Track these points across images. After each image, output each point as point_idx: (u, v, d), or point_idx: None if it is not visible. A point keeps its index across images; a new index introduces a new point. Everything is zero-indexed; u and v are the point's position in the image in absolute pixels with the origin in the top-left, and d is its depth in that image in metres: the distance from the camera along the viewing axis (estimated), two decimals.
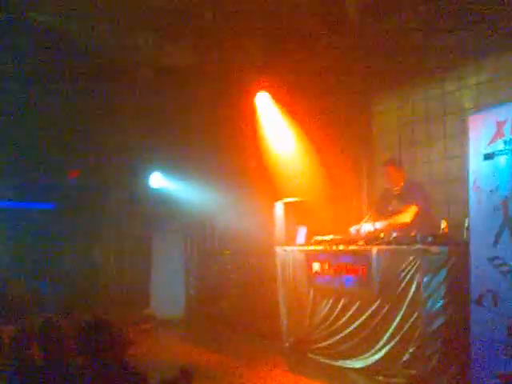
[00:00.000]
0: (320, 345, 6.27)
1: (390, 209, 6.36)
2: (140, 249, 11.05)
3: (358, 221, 6.38)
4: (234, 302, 9.24)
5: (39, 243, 11.63)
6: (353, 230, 6.27)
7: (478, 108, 6.67)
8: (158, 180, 10.87)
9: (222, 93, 7.93)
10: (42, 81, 7.97)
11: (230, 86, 7.74)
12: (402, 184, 6.40)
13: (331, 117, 8.19)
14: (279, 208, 7.50)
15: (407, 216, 6.00)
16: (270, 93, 8.53)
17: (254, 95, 8.59)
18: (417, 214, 5.98)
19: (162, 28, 6.94)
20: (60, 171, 11.28)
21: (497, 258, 4.46)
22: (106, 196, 11.70)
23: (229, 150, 9.05)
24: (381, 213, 6.45)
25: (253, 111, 8.79)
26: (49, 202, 12.21)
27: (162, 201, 10.65)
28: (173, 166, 10.31)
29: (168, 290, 10.50)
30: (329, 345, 6.11)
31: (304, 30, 6.88)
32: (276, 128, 8.84)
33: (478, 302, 4.58)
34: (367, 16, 6.70)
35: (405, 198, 6.22)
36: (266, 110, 8.76)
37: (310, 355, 6.42)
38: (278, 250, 7.29)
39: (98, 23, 6.80)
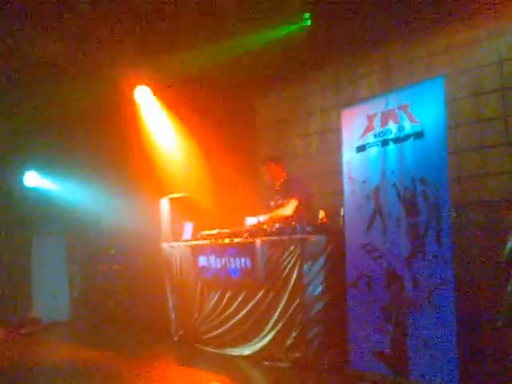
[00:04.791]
0: (209, 335, 6.40)
1: (273, 203, 6.57)
2: (19, 252, 10.49)
3: (252, 213, 6.44)
4: (122, 301, 9.08)
5: None
6: (248, 221, 6.32)
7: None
8: (33, 179, 10.33)
9: (100, 86, 7.66)
10: None
11: (108, 79, 7.53)
12: (283, 179, 6.61)
13: (216, 111, 8.25)
14: (165, 204, 7.48)
15: (289, 209, 6.24)
16: (149, 86, 8.44)
17: (134, 89, 8.45)
18: (298, 207, 6.23)
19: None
20: None
21: (369, 244, 4.80)
22: None
23: (111, 146, 8.81)
24: (265, 207, 6.64)
25: (134, 105, 8.65)
26: None
27: (41, 201, 10.16)
28: (50, 164, 9.84)
29: (52, 293, 10.11)
30: (217, 335, 6.26)
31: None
32: (158, 123, 8.78)
33: (354, 285, 4.91)
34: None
35: (285, 192, 6.46)
36: (147, 104, 8.66)
37: (200, 346, 6.52)
38: (165, 246, 7.31)
39: None
